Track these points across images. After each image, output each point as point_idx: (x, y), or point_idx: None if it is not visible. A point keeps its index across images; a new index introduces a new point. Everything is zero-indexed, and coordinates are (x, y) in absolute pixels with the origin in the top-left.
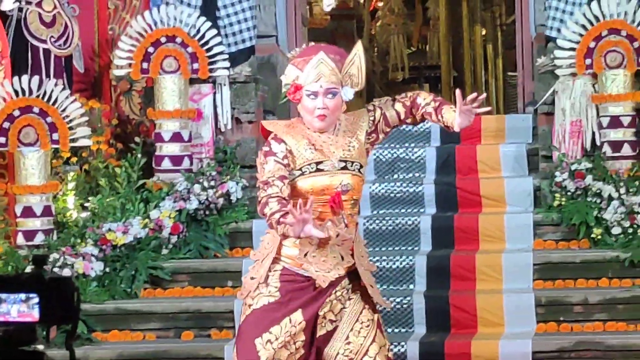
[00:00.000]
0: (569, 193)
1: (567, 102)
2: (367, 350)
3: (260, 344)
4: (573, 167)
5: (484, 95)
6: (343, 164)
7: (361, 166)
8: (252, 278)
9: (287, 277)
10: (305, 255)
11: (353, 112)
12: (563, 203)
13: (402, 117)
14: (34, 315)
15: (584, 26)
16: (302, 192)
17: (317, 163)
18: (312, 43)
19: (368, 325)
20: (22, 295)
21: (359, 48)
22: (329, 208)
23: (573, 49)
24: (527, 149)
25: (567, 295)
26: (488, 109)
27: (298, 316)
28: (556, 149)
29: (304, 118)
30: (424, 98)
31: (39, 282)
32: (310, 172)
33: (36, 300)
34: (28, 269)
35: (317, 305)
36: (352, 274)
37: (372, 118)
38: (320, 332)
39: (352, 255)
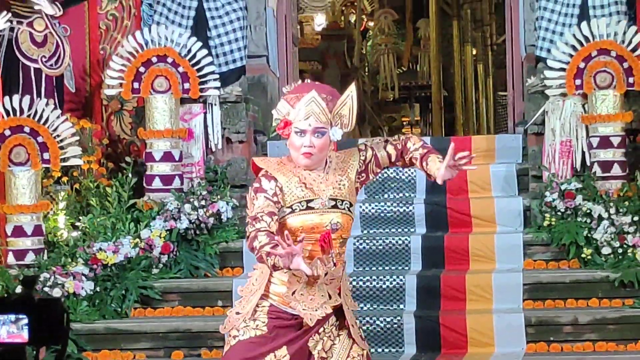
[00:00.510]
0: (559, 213)
1: (557, 122)
2: None
3: None
4: (563, 187)
5: (474, 155)
6: (333, 202)
7: (351, 204)
8: (237, 313)
9: (274, 315)
10: (293, 293)
11: (344, 150)
12: (553, 223)
13: (393, 159)
14: (24, 336)
15: (573, 47)
16: (292, 230)
17: (308, 201)
18: (308, 80)
19: None
20: (12, 317)
21: (352, 90)
22: (318, 246)
23: (563, 69)
24: (517, 169)
25: (557, 315)
26: (474, 167)
27: (283, 352)
28: (546, 169)
29: (291, 154)
30: (414, 143)
31: (29, 303)
32: (301, 210)
33: (25, 321)
34: (18, 289)
35: (303, 342)
36: (339, 311)
37: (363, 158)
38: None
39: (339, 293)
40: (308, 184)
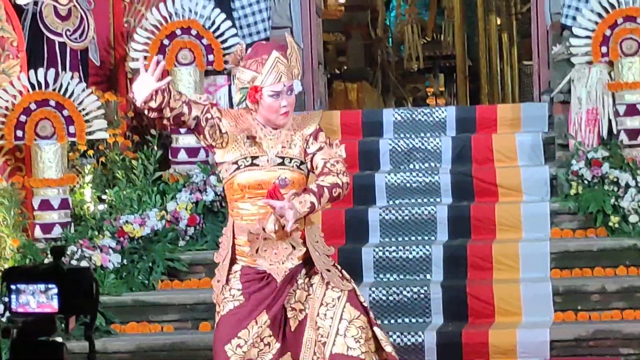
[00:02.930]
0: (585, 181)
1: (583, 90)
2: (337, 329)
3: (230, 349)
4: (589, 156)
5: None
6: (280, 160)
7: (302, 162)
8: (217, 281)
9: (247, 277)
10: (257, 251)
11: (302, 113)
12: (580, 192)
13: (313, 170)
14: (53, 306)
15: (599, 14)
16: (239, 187)
17: (253, 157)
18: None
19: (334, 305)
20: (41, 286)
21: (290, 39)
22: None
23: (589, 37)
24: (543, 137)
25: (585, 284)
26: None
27: (264, 317)
28: (572, 138)
29: (265, 116)
30: (323, 180)
31: (58, 273)
32: (246, 166)
33: (55, 290)
34: (46, 261)
35: (281, 302)
36: (309, 260)
37: (313, 138)
38: (294, 324)
39: (304, 243)
40: (258, 138)
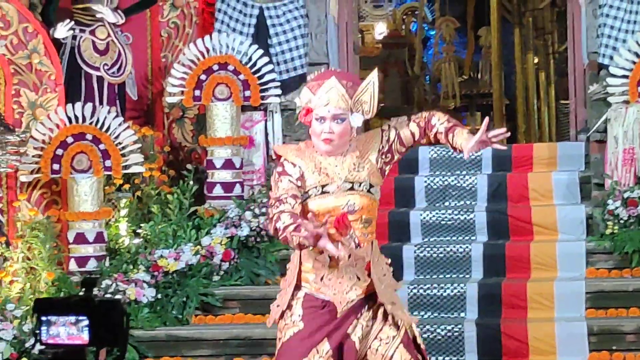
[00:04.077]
0: (621, 221)
1: (619, 130)
2: None
3: None
4: (626, 195)
5: (508, 133)
6: (349, 185)
7: (371, 186)
8: (277, 306)
9: (309, 304)
10: (322, 278)
11: (367, 132)
12: (615, 231)
13: (417, 137)
14: (84, 337)
15: (636, 53)
16: (311, 215)
17: (323, 186)
18: (332, 68)
19: (387, 343)
20: (72, 318)
21: (374, 76)
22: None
23: (626, 77)
24: (579, 176)
25: (620, 324)
26: (504, 147)
27: (325, 346)
28: (609, 177)
29: (313, 140)
30: (439, 118)
31: (89, 305)
32: (316, 195)
33: (86, 322)
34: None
35: (342, 332)
36: (374, 295)
37: (386, 138)
38: (373, 357)
39: (369, 274)
40: (323, 168)
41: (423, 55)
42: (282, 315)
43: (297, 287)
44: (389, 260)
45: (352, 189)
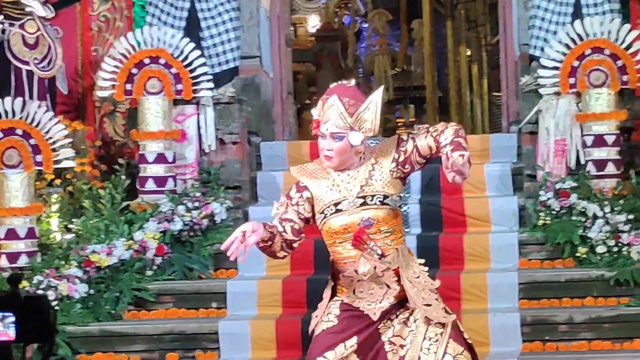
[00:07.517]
0: (553, 212)
1: (551, 121)
2: None
3: None
4: (557, 186)
5: (459, 161)
6: (362, 200)
7: (386, 197)
8: (316, 316)
9: (345, 307)
10: (354, 292)
11: (384, 140)
12: (548, 222)
13: (434, 151)
14: (10, 334)
15: (567, 45)
16: (329, 234)
17: (336, 204)
18: (344, 82)
19: (437, 340)
20: None
21: (377, 95)
22: (355, 244)
23: (557, 68)
24: (511, 168)
25: (553, 314)
26: (464, 168)
27: (352, 341)
28: (540, 168)
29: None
30: (446, 137)
31: (15, 301)
32: (332, 214)
33: (12, 319)
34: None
35: (373, 329)
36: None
37: (403, 149)
38: (394, 358)
39: (398, 280)
40: (336, 185)
41: (356, 48)
42: (317, 323)
43: (334, 294)
44: (422, 261)
45: (364, 203)
